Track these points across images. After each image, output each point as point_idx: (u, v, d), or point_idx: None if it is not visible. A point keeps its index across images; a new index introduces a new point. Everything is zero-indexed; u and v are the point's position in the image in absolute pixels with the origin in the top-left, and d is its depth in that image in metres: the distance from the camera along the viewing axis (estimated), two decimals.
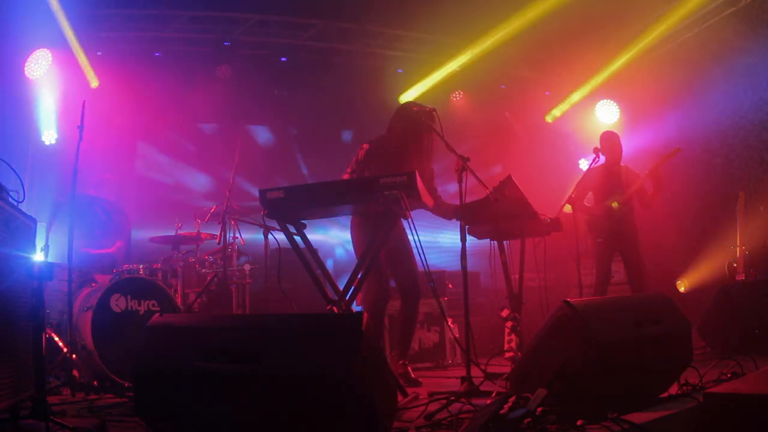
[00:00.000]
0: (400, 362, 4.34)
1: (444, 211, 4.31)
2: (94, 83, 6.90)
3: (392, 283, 4.44)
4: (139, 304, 4.48)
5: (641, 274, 5.50)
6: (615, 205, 5.57)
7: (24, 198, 2.90)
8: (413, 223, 3.50)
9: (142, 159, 7.42)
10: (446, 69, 7.91)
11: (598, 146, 5.64)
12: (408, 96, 8.10)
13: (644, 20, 7.36)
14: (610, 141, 5.72)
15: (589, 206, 5.70)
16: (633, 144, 7.63)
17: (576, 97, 8.35)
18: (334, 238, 7.94)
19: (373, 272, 4.05)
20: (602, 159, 5.61)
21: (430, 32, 7.78)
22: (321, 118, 8.37)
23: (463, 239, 3.91)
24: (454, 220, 4.30)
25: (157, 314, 2.55)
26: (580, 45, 7.46)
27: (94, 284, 4.80)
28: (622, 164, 5.77)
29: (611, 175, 5.68)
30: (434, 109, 4.14)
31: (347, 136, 8.84)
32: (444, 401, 3.00)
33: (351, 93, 7.97)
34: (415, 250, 3.86)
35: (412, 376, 4.33)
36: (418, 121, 4.20)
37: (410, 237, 4.19)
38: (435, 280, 5.11)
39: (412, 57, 8.07)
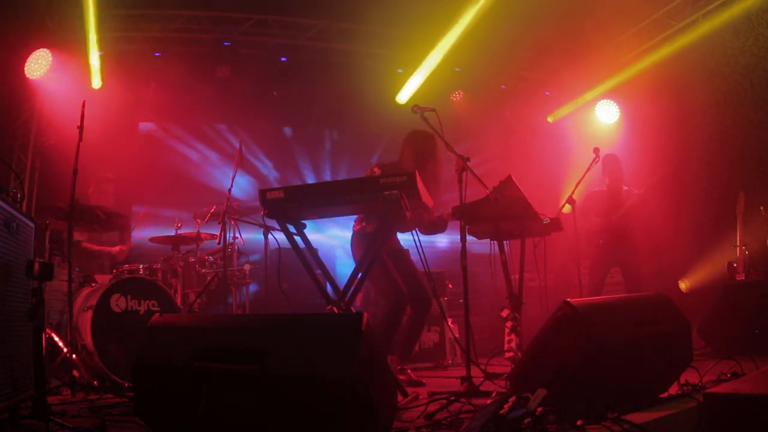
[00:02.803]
0: (399, 367, 4.33)
1: (438, 226, 4.38)
2: (96, 84, 6.90)
3: None
4: (139, 304, 4.48)
5: (639, 284, 5.58)
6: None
7: (24, 198, 2.89)
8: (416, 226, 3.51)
9: (141, 159, 7.41)
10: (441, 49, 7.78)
11: (600, 158, 5.74)
12: (406, 93, 8.07)
13: (645, 20, 7.37)
14: (612, 164, 5.88)
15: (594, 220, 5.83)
16: (632, 144, 7.65)
17: (580, 99, 8.35)
18: (334, 238, 7.94)
19: (385, 279, 4.09)
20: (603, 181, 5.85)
21: (431, 33, 7.78)
22: (320, 118, 8.37)
23: (463, 239, 3.91)
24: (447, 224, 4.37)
25: (157, 314, 2.55)
26: (581, 45, 7.46)
27: (94, 284, 4.80)
28: (624, 187, 5.90)
29: (614, 198, 5.81)
30: (434, 110, 4.14)
31: (347, 136, 8.84)
32: (444, 401, 3.00)
33: (351, 93, 7.97)
34: (415, 251, 3.87)
35: (414, 378, 4.33)
36: (428, 148, 4.35)
37: (409, 237, 4.21)
38: (435, 280, 5.11)
39: (412, 57, 8.07)
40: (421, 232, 4.34)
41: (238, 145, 5.60)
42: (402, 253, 4.48)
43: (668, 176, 6.01)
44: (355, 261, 4.35)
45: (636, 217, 5.83)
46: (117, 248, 5.77)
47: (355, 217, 4.42)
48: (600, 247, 5.69)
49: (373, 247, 3.53)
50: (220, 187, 6.04)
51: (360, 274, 3.50)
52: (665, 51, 7.44)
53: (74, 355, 3.99)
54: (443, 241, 7.18)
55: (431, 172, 4.36)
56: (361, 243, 4.30)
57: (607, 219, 5.75)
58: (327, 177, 8.50)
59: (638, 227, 5.93)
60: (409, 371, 4.41)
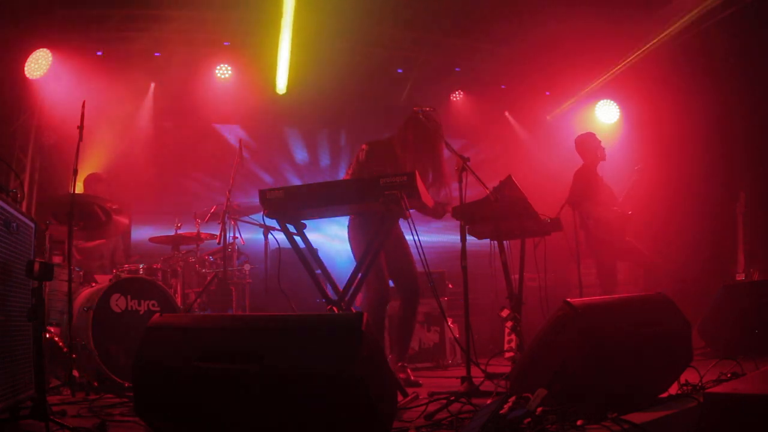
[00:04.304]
0: (399, 364, 4.33)
1: (436, 212, 4.32)
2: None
3: (390, 284, 4.44)
4: (139, 304, 4.48)
5: (637, 279, 5.56)
6: None
7: (24, 198, 2.89)
8: (413, 223, 3.51)
9: (141, 159, 7.42)
10: None
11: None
12: (404, 92, 8.08)
13: (645, 19, 7.37)
14: (592, 142, 5.75)
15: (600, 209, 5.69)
16: (632, 145, 7.65)
17: (575, 95, 8.35)
18: (334, 238, 7.94)
19: (373, 273, 4.06)
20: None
21: (431, 32, 7.79)
22: (320, 118, 8.37)
23: (463, 239, 3.91)
24: (447, 219, 4.33)
25: (157, 314, 2.55)
26: (580, 43, 7.45)
27: (94, 284, 4.80)
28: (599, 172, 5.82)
29: (599, 179, 5.73)
30: (434, 109, 4.14)
31: (346, 136, 8.84)
32: (444, 401, 3.00)
33: (351, 93, 7.97)
34: (414, 251, 3.87)
35: (412, 378, 4.33)
36: (434, 133, 4.22)
37: (410, 238, 4.19)
38: (435, 280, 5.10)
39: (412, 57, 8.08)
40: (418, 212, 4.24)
41: (237, 145, 5.60)
42: (399, 242, 4.40)
43: (641, 173, 5.92)
44: (351, 246, 4.35)
45: (633, 208, 5.78)
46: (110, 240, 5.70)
47: None
48: (609, 242, 5.59)
49: (371, 249, 3.53)
50: (220, 187, 6.05)
51: (360, 275, 3.50)
52: (665, 50, 7.45)
53: (74, 355, 3.99)
54: (443, 241, 7.17)
55: (436, 155, 4.30)
56: (357, 226, 4.26)
57: (612, 210, 5.64)
58: (326, 177, 8.50)
59: (642, 220, 5.89)
60: (408, 370, 4.41)
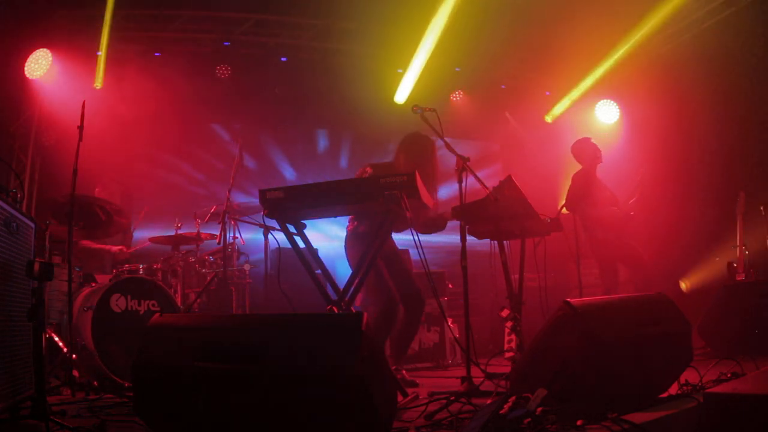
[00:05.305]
0: (394, 368, 4.33)
1: (437, 224, 4.37)
2: (98, 83, 6.90)
3: None
4: (139, 304, 4.48)
5: (649, 282, 5.54)
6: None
7: (24, 198, 2.89)
8: (413, 230, 3.52)
9: (141, 159, 7.42)
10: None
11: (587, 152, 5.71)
12: (405, 93, 8.05)
13: (644, 18, 7.37)
14: (588, 147, 5.75)
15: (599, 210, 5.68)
16: (632, 145, 7.65)
17: (575, 94, 8.34)
18: (334, 238, 7.94)
19: (376, 282, 4.09)
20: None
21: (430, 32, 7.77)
22: (321, 117, 8.37)
23: (463, 239, 3.91)
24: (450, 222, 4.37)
25: (157, 314, 2.55)
26: (580, 44, 7.46)
27: (94, 284, 4.80)
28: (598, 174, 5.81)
29: (598, 181, 5.72)
30: (434, 110, 4.14)
31: (346, 136, 8.84)
32: (444, 401, 3.00)
33: (351, 93, 7.96)
34: (414, 251, 3.87)
35: (408, 379, 4.33)
36: (422, 150, 4.36)
37: (409, 237, 4.21)
38: (435, 280, 5.10)
39: (412, 57, 8.06)
40: (418, 231, 4.31)
41: (238, 146, 5.60)
42: (396, 255, 4.48)
43: (645, 179, 5.91)
44: (348, 260, 4.36)
45: (640, 208, 5.76)
46: (117, 248, 5.77)
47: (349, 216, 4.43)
48: (607, 241, 5.57)
49: (371, 248, 3.53)
50: (219, 186, 6.05)
51: (359, 276, 3.51)
52: (665, 51, 7.45)
53: (74, 355, 3.99)
54: (443, 241, 7.17)
55: (428, 173, 4.35)
56: (354, 243, 4.31)
57: (609, 210, 5.63)
58: (326, 177, 8.49)
59: (642, 221, 5.87)
60: (404, 371, 4.41)
